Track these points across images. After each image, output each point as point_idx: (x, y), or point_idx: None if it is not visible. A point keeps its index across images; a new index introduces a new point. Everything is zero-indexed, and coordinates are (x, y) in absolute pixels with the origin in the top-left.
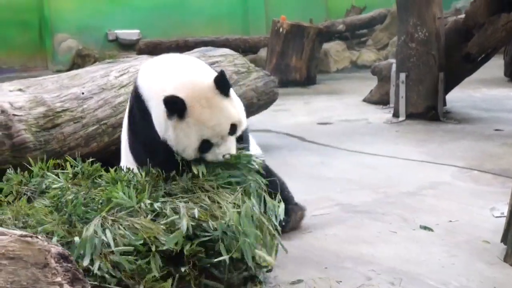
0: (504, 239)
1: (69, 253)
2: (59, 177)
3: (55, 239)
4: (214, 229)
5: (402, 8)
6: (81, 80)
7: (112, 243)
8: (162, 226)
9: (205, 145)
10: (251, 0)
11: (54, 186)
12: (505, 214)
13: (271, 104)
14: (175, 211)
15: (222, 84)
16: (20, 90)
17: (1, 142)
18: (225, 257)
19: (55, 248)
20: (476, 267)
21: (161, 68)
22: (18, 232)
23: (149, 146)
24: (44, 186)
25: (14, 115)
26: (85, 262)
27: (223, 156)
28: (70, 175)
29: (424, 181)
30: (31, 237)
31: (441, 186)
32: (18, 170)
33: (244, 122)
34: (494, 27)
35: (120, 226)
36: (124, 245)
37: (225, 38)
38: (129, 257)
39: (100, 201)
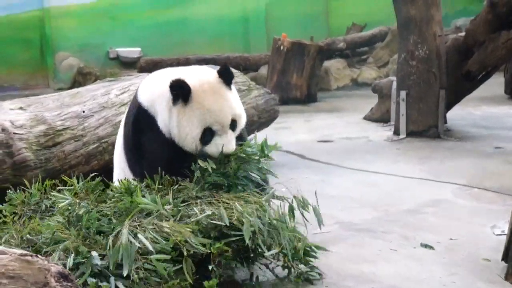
0: (505, 257)
1: (69, 272)
2: (65, 194)
3: (71, 258)
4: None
5: (403, 26)
6: (82, 98)
7: (151, 248)
8: (189, 229)
9: (207, 134)
10: (252, 18)
11: (62, 202)
12: (506, 232)
13: (272, 122)
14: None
15: (225, 75)
16: (21, 108)
17: (1, 161)
18: (275, 250)
19: (55, 267)
20: (477, 285)
21: (162, 74)
22: (18, 251)
23: (153, 150)
24: (47, 205)
25: (15, 133)
26: (125, 272)
27: (223, 152)
28: (76, 191)
29: (425, 199)
30: (31, 256)
31: (442, 204)
32: (19, 189)
33: (243, 120)
34: (494, 45)
35: (150, 231)
36: (156, 250)
37: (226, 56)
38: (164, 263)
39: (114, 212)
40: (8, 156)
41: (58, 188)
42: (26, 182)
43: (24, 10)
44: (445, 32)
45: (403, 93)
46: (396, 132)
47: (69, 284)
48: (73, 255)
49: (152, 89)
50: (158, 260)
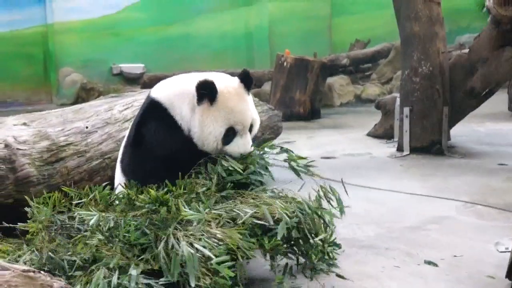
0: (508, 275)
1: (72, 287)
2: (90, 210)
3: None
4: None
5: (406, 42)
6: (85, 114)
7: (212, 255)
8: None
9: (230, 134)
10: (255, 34)
11: (90, 218)
12: (510, 249)
13: (275, 138)
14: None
15: (246, 80)
16: (24, 124)
17: (4, 176)
18: (322, 236)
19: (58, 283)
20: None
21: (182, 76)
22: (21, 267)
23: (167, 147)
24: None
25: (18, 149)
26: (193, 283)
27: (243, 152)
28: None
29: (428, 215)
30: (33, 272)
31: (445, 220)
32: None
33: (258, 124)
34: (498, 61)
35: (205, 239)
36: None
37: (230, 72)
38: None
39: (149, 223)
40: (11, 171)
41: (70, 202)
42: (28, 198)
43: (28, 26)
44: (449, 49)
45: (406, 110)
46: (400, 148)
47: None
48: (117, 272)
49: (173, 88)
50: (218, 263)
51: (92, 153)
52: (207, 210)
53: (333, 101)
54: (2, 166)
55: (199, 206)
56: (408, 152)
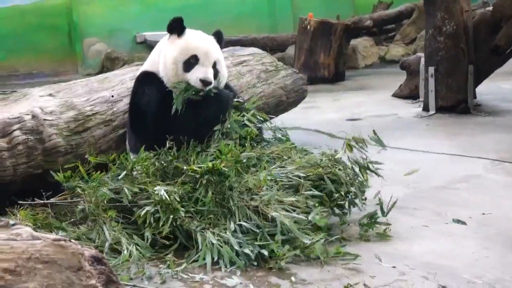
0: None
1: (103, 255)
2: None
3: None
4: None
5: (429, 1)
6: (110, 83)
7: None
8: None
9: (191, 62)
10: None
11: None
12: None
13: (300, 102)
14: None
15: (217, 36)
16: (50, 95)
17: (33, 147)
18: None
19: (89, 251)
20: (510, 259)
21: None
22: (52, 236)
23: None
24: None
25: (45, 119)
26: (307, 241)
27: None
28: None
29: (456, 174)
30: (64, 240)
31: (473, 179)
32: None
33: (224, 73)
34: None
35: (287, 208)
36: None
37: (252, 37)
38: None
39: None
40: (39, 142)
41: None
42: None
43: None
44: (472, 7)
45: (431, 69)
46: (425, 108)
47: (103, 267)
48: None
49: (151, 55)
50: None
51: (118, 121)
52: (264, 175)
53: (357, 63)
54: (30, 137)
55: (247, 172)
56: (434, 112)
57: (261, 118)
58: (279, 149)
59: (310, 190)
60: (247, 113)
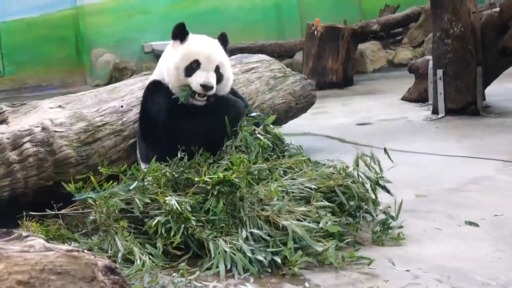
0: None
1: (116, 265)
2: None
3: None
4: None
5: (436, 4)
6: (119, 93)
7: (314, 226)
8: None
9: (193, 66)
10: (284, 4)
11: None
12: None
13: (309, 107)
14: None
15: (222, 39)
16: (60, 106)
17: (44, 159)
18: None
19: (102, 261)
20: None
21: None
22: (64, 247)
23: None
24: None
25: (55, 131)
26: (319, 248)
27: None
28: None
29: (467, 176)
30: (77, 251)
31: (484, 180)
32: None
33: (229, 73)
34: None
35: (299, 217)
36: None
37: (260, 44)
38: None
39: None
40: (50, 154)
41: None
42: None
43: (59, 9)
44: (479, 8)
45: (440, 72)
46: (435, 111)
47: (116, 277)
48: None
49: (158, 64)
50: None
51: (128, 131)
52: (275, 186)
53: (365, 68)
54: (41, 149)
55: (258, 183)
56: (443, 114)
57: (277, 134)
58: (290, 161)
59: (322, 201)
60: (263, 128)
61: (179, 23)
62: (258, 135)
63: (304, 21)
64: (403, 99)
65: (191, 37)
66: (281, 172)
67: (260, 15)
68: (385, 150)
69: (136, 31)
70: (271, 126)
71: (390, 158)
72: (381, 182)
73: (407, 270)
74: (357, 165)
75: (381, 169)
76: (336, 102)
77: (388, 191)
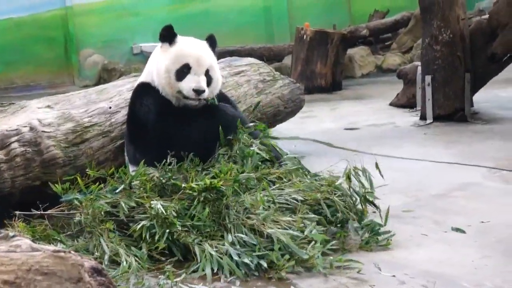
0: None
1: (103, 266)
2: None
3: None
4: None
5: (425, 10)
6: (108, 94)
7: (299, 234)
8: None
9: (184, 71)
10: (274, 8)
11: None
12: None
13: (298, 111)
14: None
15: (210, 41)
16: (48, 106)
17: (31, 159)
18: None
19: (88, 262)
20: (510, 268)
21: None
22: (51, 247)
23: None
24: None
25: (43, 131)
26: (305, 256)
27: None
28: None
29: (454, 182)
30: (64, 252)
31: (471, 187)
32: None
33: (218, 76)
34: None
35: (283, 225)
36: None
37: (249, 47)
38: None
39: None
40: (37, 154)
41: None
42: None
43: (47, 9)
44: (469, 15)
45: (428, 78)
46: (423, 117)
47: (103, 278)
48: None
49: (146, 66)
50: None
51: (116, 133)
52: (261, 195)
53: (354, 72)
54: (28, 149)
55: (245, 192)
56: (431, 120)
57: (273, 145)
58: (279, 171)
59: (307, 213)
60: (258, 139)
61: (167, 25)
62: (256, 148)
63: (294, 25)
64: (391, 104)
65: (180, 39)
66: (270, 182)
67: (249, 18)
68: (376, 165)
69: (125, 32)
70: (268, 137)
71: (381, 174)
72: (368, 197)
73: (393, 276)
74: (349, 179)
75: (371, 184)
76: (325, 106)
77: (375, 206)
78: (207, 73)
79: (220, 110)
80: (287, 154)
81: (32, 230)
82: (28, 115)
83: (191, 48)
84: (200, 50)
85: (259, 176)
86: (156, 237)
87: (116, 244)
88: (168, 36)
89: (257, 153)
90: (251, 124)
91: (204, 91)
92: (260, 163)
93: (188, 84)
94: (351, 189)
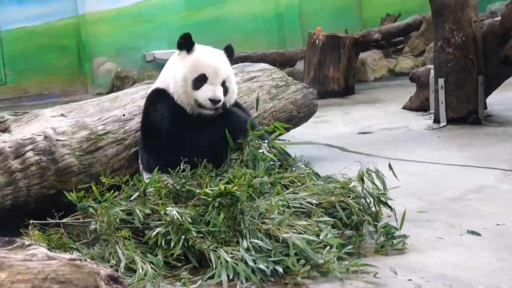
0: None
1: (119, 274)
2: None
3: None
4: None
5: (437, 13)
6: (121, 102)
7: (315, 239)
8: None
9: (201, 80)
10: (286, 14)
11: (169, 212)
12: None
13: (311, 116)
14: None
15: (228, 51)
16: (62, 115)
17: (46, 168)
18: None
19: (105, 270)
20: None
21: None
22: (67, 255)
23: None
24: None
25: (58, 140)
26: (320, 260)
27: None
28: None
29: (469, 185)
30: (80, 260)
31: (486, 189)
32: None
33: (234, 86)
34: None
35: (300, 230)
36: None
37: (262, 53)
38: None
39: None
40: (52, 162)
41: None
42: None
43: (60, 18)
44: (481, 17)
45: (441, 81)
46: (436, 120)
47: (119, 286)
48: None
49: (163, 72)
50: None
51: (130, 140)
52: (276, 200)
53: (366, 76)
54: (43, 157)
55: (260, 197)
56: (445, 123)
57: (283, 148)
58: (293, 175)
59: (322, 216)
60: (269, 143)
61: (185, 33)
62: (264, 151)
63: (305, 30)
64: (404, 108)
65: (198, 48)
66: (283, 186)
67: (261, 24)
68: (390, 166)
69: (138, 40)
70: (277, 141)
71: (395, 175)
72: (382, 199)
73: (409, 280)
74: (362, 181)
75: (384, 186)
76: (338, 111)
77: (389, 207)
78: (223, 84)
79: (232, 114)
80: (294, 157)
81: (47, 238)
82: (42, 124)
83: (209, 58)
84: (218, 60)
85: (273, 181)
86: (172, 244)
87: (131, 251)
88: (186, 44)
89: (267, 156)
90: (261, 127)
91: (220, 101)
92: (271, 165)
93: (204, 93)
94: (364, 191)
